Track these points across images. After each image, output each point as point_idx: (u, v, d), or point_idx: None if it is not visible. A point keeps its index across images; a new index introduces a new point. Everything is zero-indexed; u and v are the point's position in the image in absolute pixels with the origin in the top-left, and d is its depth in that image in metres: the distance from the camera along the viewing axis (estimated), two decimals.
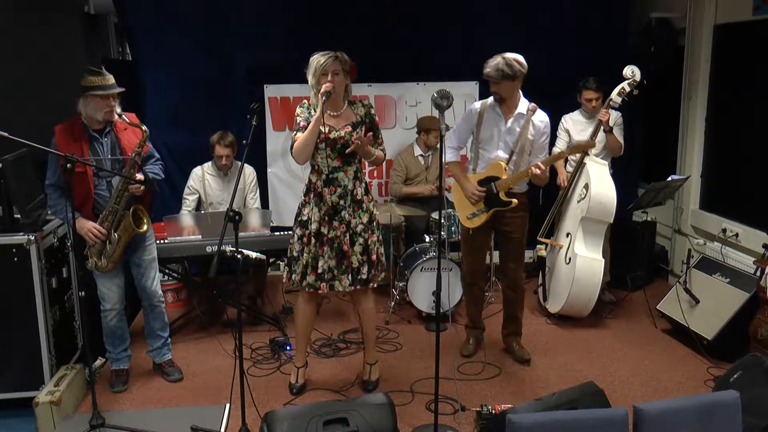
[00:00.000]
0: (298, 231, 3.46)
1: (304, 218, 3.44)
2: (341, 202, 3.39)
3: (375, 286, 3.57)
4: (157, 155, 3.72)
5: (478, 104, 3.86)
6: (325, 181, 3.38)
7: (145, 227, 3.53)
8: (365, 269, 3.47)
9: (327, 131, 3.33)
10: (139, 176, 3.43)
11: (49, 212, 3.60)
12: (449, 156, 3.86)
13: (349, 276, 3.44)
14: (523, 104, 3.76)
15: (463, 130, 3.89)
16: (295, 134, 3.36)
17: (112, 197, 3.43)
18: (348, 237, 3.41)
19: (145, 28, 5.12)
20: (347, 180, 3.39)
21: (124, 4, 4.96)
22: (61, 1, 4.13)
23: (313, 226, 3.39)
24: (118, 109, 3.45)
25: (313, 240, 3.40)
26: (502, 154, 3.82)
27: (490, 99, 3.81)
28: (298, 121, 3.37)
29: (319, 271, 3.42)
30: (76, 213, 3.42)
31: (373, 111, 3.47)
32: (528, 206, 3.93)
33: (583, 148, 3.99)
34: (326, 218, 3.39)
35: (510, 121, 3.77)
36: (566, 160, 4.91)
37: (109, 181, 3.49)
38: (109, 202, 3.44)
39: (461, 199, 3.93)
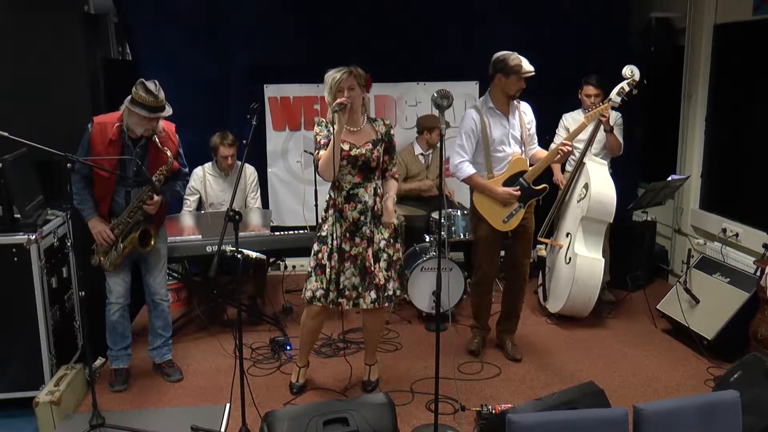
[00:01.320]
0: (316, 247, 3.43)
1: (324, 234, 3.40)
2: (362, 218, 3.37)
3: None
4: (185, 171, 3.73)
5: (472, 112, 3.84)
6: (346, 197, 3.36)
7: (149, 248, 3.57)
8: (391, 285, 3.45)
9: (348, 148, 3.30)
10: (156, 198, 3.46)
11: (74, 202, 3.54)
12: (468, 169, 3.81)
13: (373, 292, 3.40)
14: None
15: (470, 140, 3.83)
16: (318, 153, 3.33)
17: (127, 210, 3.48)
18: (370, 253, 3.39)
19: (145, 28, 5.11)
20: (367, 196, 3.37)
21: (124, 4, 4.96)
22: (61, 1, 4.13)
23: (335, 242, 3.37)
24: (160, 127, 3.46)
25: (335, 256, 3.37)
26: (516, 149, 3.87)
27: (478, 102, 3.88)
28: (318, 139, 3.34)
29: (341, 287, 3.39)
30: (93, 212, 3.49)
31: (392, 131, 3.46)
32: None
33: (600, 112, 4.08)
34: (348, 234, 3.37)
35: (510, 116, 3.86)
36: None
37: (128, 191, 3.51)
38: (123, 213, 3.48)
39: (490, 206, 3.87)
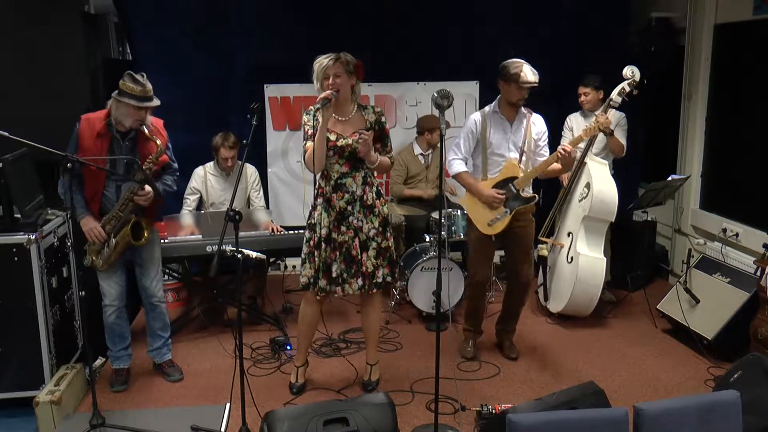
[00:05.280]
0: (307, 234, 3.46)
1: (313, 222, 3.43)
2: (349, 208, 3.37)
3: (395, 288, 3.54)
4: (174, 166, 3.71)
5: (476, 114, 3.87)
6: (334, 186, 3.36)
7: (142, 241, 3.53)
8: (380, 273, 3.45)
9: (334, 139, 3.30)
10: (147, 188, 3.43)
11: (59, 192, 3.51)
12: (458, 167, 3.85)
13: (360, 279, 3.41)
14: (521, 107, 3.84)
15: (468, 140, 3.86)
16: (305, 144, 3.33)
17: (118, 203, 3.46)
18: (357, 242, 3.39)
19: (145, 28, 5.12)
20: (355, 186, 3.37)
21: (124, 4, 4.96)
22: (61, 1, 4.13)
23: (323, 231, 3.38)
24: (149, 121, 3.45)
25: (323, 245, 3.38)
26: (513, 155, 3.84)
27: (487, 107, 3.87)
28: (305, 129, 3.33)
29: (333, 275, 3.40)
30: (84, 211, 3.47)
31: (383, 119, 3.42)
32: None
33: (599, 126, 3.88)
34: (335, 223, 3.38)
35: (515, 123, 3.82)
36: None
37: (119, 185, 3.50)
38: (115, 207, 3.46)
39: (477, 208, 3.88)
